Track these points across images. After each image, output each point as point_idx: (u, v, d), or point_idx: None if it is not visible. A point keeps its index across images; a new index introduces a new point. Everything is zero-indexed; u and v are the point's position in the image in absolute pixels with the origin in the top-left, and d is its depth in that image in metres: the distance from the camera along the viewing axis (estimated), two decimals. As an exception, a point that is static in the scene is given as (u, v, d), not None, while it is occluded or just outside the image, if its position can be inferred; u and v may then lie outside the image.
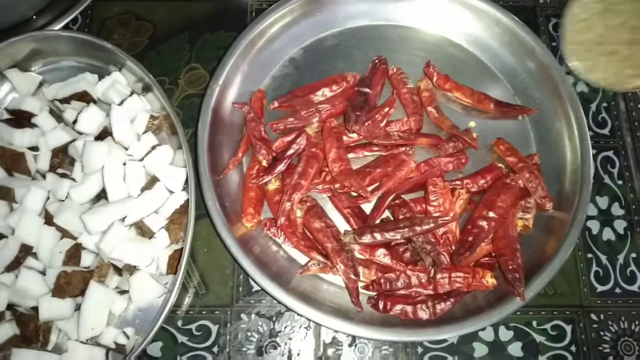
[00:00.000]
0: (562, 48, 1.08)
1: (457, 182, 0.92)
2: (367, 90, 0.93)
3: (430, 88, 0.99)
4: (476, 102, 0.99)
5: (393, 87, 1.00)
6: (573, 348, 0.89)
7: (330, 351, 0.88)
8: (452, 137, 0.96)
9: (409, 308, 0.84)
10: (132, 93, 0.96)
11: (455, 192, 0.90)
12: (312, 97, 0.98)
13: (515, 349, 0.89)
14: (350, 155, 0.93)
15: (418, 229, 0.83)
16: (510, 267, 0.84)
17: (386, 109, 0.95)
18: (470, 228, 0.86)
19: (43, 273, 0.83)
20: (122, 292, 0.85)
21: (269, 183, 0.92)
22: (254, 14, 1.09)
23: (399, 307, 0.84)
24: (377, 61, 0.98)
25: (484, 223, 0.86)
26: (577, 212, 0.89)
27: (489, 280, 0.85)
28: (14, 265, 0.81)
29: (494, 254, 0.89)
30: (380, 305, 0.85)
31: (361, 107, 0.92)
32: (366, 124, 0.93)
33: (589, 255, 0.95)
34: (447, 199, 0.87)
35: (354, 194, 0.92)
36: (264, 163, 0.91)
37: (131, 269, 0.85)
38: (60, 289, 0.79)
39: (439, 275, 0.84)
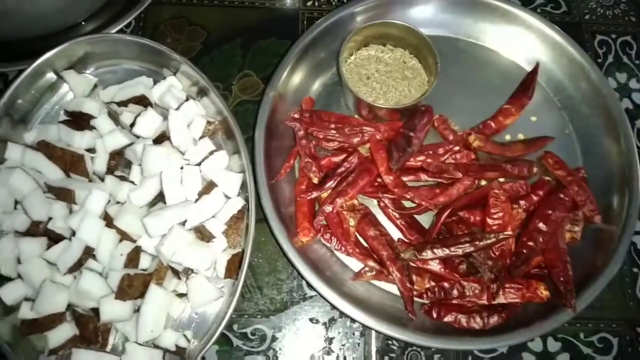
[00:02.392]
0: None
1: (520, 207, 0.92)
2: (411, 134, 0.94)
3: (481, 146, 0.98)
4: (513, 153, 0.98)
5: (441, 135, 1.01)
6: (619, 360, 0.91)
7: (381, 359, 0.89)
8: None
9: (462, 317, 0.85)
10: (187, 98, 0.97)
11: (514, 208, 0.91)
12: (328, 127, 0.97)
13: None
14: (410, 178, 0.95)
15: (479, 244, 0.84)
16: (562, 279, 0.85)
17: (452, 146, 0.96)
18: (525, 241, 0.88)
19: (102, 274, 0.84)
20: (180, 295, 0.86)
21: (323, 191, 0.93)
22: (305, 22, 1.10)
23: (452, 315, 0.86)
24: (423, 108, 0.98)
25: (538, 236, 0.87)
26: (626, 226, 0.91)
27: (543, 292, 0.86)
28: (76, 267, 0.82)
29: (543, 265, 0.90)
30: (434, 313, 0.86)
31: (404, 149, 0.92)
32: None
33: (635, 270, 0.97)
34: (507, 213, 0.88)
35: (407, 204, 0.93)
36: (315, 180, 0.92)
37: (188, 272, 0.86)
38: (123, 292, 0.80)
39: (493, 286, 0.85)
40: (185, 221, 0.86)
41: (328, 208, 0.88)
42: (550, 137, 1.00)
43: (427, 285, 0.88)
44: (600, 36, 1.14)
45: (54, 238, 0.85)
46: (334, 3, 1.14)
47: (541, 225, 0.88)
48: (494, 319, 0.85)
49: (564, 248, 0.89)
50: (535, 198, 0.93)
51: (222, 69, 1.06)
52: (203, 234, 0.87)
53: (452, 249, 0.86)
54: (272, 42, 1.08)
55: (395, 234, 0.93)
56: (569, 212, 0.92)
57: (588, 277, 0.88)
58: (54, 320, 0.82)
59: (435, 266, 0.88)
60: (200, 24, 1.09)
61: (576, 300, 0.84)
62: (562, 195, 0.92)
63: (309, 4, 1.13)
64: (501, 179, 0.94)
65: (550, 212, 0.89)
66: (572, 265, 0.88)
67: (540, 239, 0.87)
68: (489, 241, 0.85)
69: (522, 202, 0.92)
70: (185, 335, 0.83)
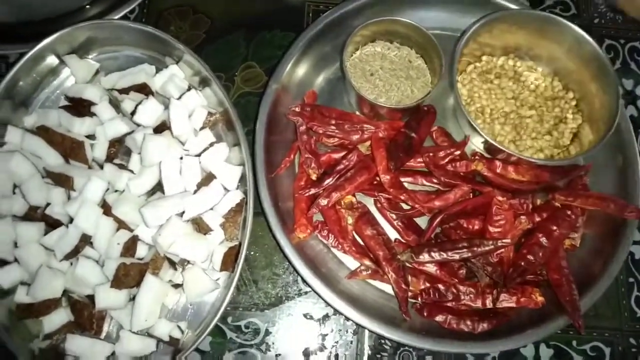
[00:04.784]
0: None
1: (523, 218, 0.91)
2: (413, 134, 0.93)
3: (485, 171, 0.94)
4: (534, 178, 0.93)
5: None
6: (611, 370, 0.91)
7: (374, 357, 0.90)
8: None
9: (452, 319, 0.86)
10: (189, 87, 0.96)
11: (517, 218, 0.91)
12: (329, 122, 0.96)
13: (554, 366, 0.91)
14: (408, 180, 0.94)
15: (477, 250, 0.84)
16: (568, 299, 0.85)
17: (453, 150, 0.95)
18: (525, 253, 0.87)
19: (98, 262, 0.84)
20: (175, 285, 0.87)
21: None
22: (310, 14, 1.09)
23: (442, 315, 0.86)
24: (426, 108, 0.97)
25: (539, 250, 0.87)
26: (624, 235, 0.91)
27: (538, 297, 0.86)
28: (73, 254, 0.82)
29: (539, 272, 0.90)
30: (425, 311, 0.87)
31: (405, 149, 0.92)
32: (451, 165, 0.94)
33: (631, 280, 0.97)
34: (508, 221, 0.88)
35: (404, 205, 0.93)
36: (313, 177, 0.92)
37: (185, 264, 0.86)
38: (119, 281, 0.80)
39: (489, 291, 0.86)
40: (183, 212, 0.85)
41: (323, 201, 0.88)
42: (584, 166, 0.96)
43: (422, 287, 0.88)
44: (609, 40, 1.13)
45: (52, 224, 0.85)
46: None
47: (543, 239, 0.88)
48: (483, 325, 0.85)
49: (568, 267, 0.89)
50: (537, 218, 0.91)
51: (225, 60, 1.05)
52: (200, 225, 0.87)
53: (450, 253, 0.86)
54: (277, 34, 1.07)
55: (393, 234, 0.92)
56: (573, 229, 0.92)
57: (584, 285, 0.88)
58: (49, 306, 0.82)
59: (431, 268, 0.88)
60: (204, 12, 1.08)
61: (579, 308, 0.85)
62: (568, 212, 0.91)
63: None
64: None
65: (554, 228, 0.88)
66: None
67: (540, 254, 0.87)
68: (486, 248, 0.85)
69: (522, 218, 0.91)
70: (179, 326, 0.84)
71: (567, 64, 1.00)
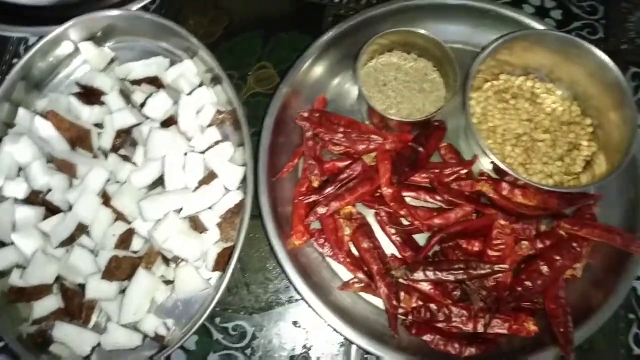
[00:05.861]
0: None
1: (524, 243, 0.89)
2: (420, 149, 0.92)
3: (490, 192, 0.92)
4: (541, 203, 0.90)
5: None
6: (602, 409, 0.89)
7: (359, 370, 0.89)
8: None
9: (440, 340, 0.84)
10: (201, 84, 0.96)
11: (518, 243, 0.89)
12: (336, 130, 0.95)
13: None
14: (411, 194, 0.92)
15: (473, 272, 0.83)
16: (562, 330, 0.83)
17: (460, 168, 0.93)
18: (523, 279, 0.85)
19: (93, 252, 0.85)
20: (167, 281, 0.87)
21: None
22: (330, 18, 1.08)
23: (430, 335, 0.84)
24: (437, 123, 0.95)
25: (537, 279, 0.85)
26: (625, 270, 0.88)
27: (532, 326, 0.84)
28: (69, 241, 0.83)
29: (535, 300, 0.88)
30: (414, 329, 0.85)
31: (410, 163, 0.90)
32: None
33: (631, 316, 0.94)
34: (508, 246, 0.86)
35: (404, 221, 0.92)
36: (315, 184, 0.91)
37: (178, 260, 0.86)
38: (110, 273, 0.81)
39: (482, 315, 0.84)
40: (181, 209, 0.86)
41: (321, 210, 0.87)
42: (594, 195, 0.93)
43: (414, 305, 0.87)
44: (635, 68, 1.09)
45: (52, 209, 0.86)
46: (362, 2, 1.11)
47: (544, 268, 0.85)
48: (471, 349, 0.83)
49: (565, 297, 0.86)
50: (540, 245, 0.89)
51: (240, 58, 1.05)
52: (197, 224, 0.87)
53: (445, 273, 0.84)
54: (294, 36, 1.06)
55: (391, 248, 0.91)
56: (577, 261, 0.89)
57: (581, 317, 0.86)
58: (41, 291, 0.83)
59: (425, 286, 0.87)
60: (224, 8, 1.08)
61: (572, 342, 0.83)
62: (574, 244, 0.88)
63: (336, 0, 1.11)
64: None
65: (557, 257, 0.86)
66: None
67: (539, 282, 0.85)
68: (483, 271, 0.83)
69: (524, 243, 0.88)
70: (165, 324, 0.84)
71: (587, 89, 0.97)
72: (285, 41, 1.07)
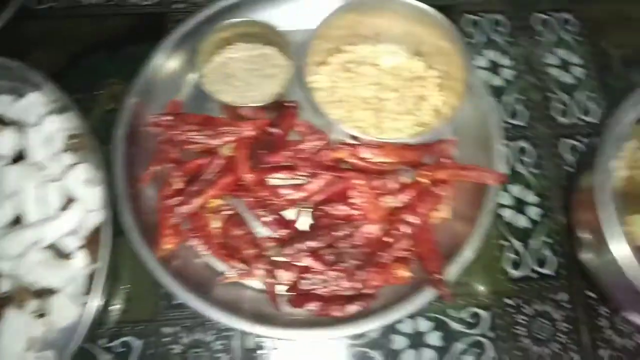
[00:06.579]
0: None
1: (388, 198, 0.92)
2: (274, 130, 0.95)
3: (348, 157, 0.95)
4: (401, 158, 0.94)
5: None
6: (489, 333, 0.93)
7: (255, 357, 0.91)
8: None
9: (323, 306, 0.87)
10: (50, 112, 0.96)
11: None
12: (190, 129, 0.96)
13: (434, 338, 0.92)
14: (278, 176, 0.94)
15: (336, 234, 0.87)
16: (431, 270, 0.87)
17: (314, 140, 0.96)
18: (389, 230, 0.89)
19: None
20: (41, 315, 0.85)
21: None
22: (170, 25, 1.10)
23: (313, 304, 0.87)
24: (288, 104, 0.99)
25: (404, 227, 0.89)
26: (488, 200, 0.93)
27: (404, 273, 0.88)
28: None
29: (409, 249, 0.92)
30: (295, 302, 0.88)
31: (267, 146, 0.94)
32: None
33: (504, 242, 0.99)
34: (371, 203, 0.90)
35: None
36: (178, 186, 0.92)
37: (50, 291, 0.85)
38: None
39: (357, 273, 0.87)
40: (43, 239, 0.85)
41: (183, 209, 0.88)
42: (447, 140, 0.98)
43: (295, 279, 0.89)
44: (469, 15, 1.16)
45: None
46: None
47: (408, 216, 0.90)
48: (352, 307, 0.86)
49: (433, 240, 0.91)
50: (406, 197, 0.93)
51: (90, 79, 1.05)
52: (61, 250, 0.86)
53: (314, 243, 0.88)
54: (141, 48, 1.06)
55: (266, 232, 0.93)
56: (438, 203, 0.94)
57: (454, 252, 0.90)
58: None
59: (306, 260, 0.90)
60: (67, 35, 1.08)
61: (442, 278, 0.86)
62: (433, 189, 0.93)
63: (174, 6, 1.13)
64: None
65: (418, 204, 0.91)
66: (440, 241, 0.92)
67: (405, 230, 0.89)
68: (345, 231, 0.87)
69: (388, 198, 0.92)
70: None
71: (425, 44, 1.02)
72: (134, 55, 1.06)
